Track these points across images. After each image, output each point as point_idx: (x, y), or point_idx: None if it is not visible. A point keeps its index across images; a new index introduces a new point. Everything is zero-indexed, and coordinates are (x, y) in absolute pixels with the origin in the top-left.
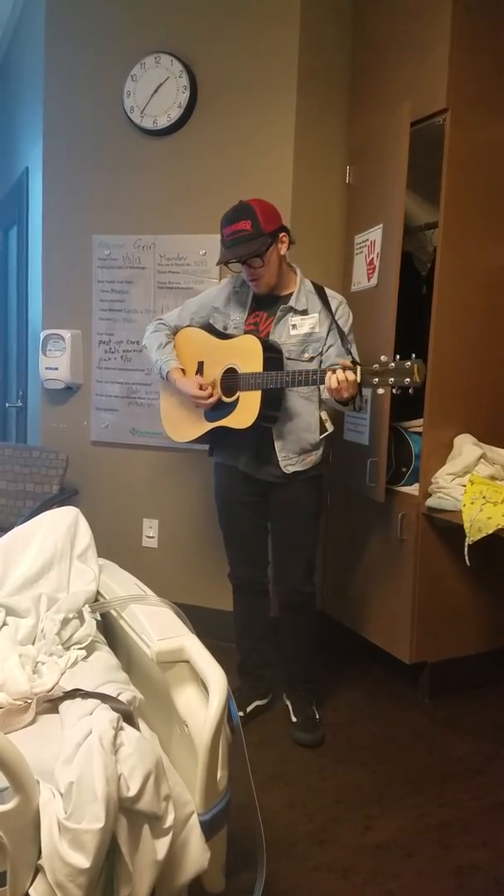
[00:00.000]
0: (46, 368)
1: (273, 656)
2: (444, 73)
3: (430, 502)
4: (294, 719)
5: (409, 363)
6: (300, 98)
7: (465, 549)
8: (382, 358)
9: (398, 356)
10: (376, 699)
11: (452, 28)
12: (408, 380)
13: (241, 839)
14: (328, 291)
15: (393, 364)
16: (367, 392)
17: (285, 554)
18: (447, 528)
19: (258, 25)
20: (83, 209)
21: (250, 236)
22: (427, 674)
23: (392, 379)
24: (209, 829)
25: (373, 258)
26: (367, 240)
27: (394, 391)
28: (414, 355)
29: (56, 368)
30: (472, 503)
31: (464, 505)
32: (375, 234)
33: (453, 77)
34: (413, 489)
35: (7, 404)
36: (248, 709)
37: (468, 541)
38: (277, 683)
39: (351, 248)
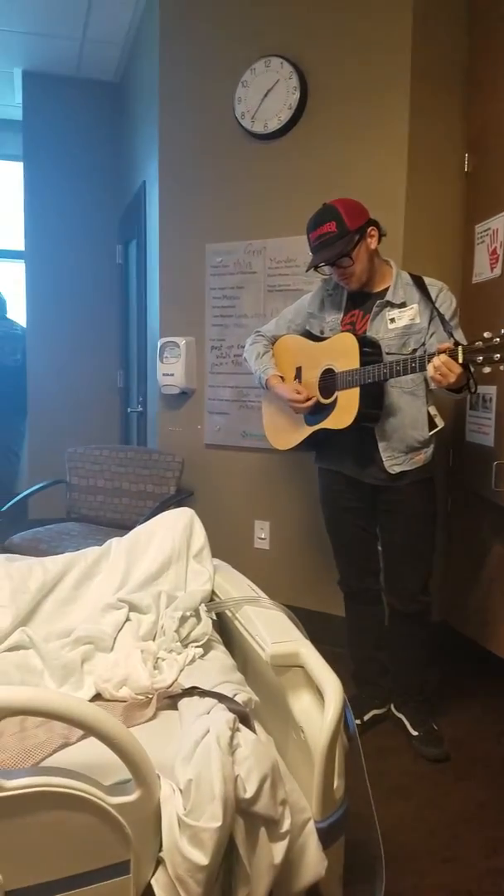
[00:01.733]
0: (163, 375)
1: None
2: None
3: None
4: (414, 732)
5: None
6: (414, 90)
7: None
8: (486, 334)
9: None
10: (500, 715)
11: None
12: None
13: (358, 851)
14: (427, 280)
15: (497, 339)
16: (490, 389)
17: (398, 562)
18: None
19: (369, 18)
20: (196, 219)
21: (336, 237)
22: None
23: (498, 355)
24: (326, 837)
25: (496, 247)
26: (490, 228)
27: (502, 368)
28: None
29: (172, 374)
30: None
31: None
32: (499, 222)
33: None
34: None
35: (129, 409)
36: (366, 717)
37: None
38: (390, 694)
39: (471, 238)
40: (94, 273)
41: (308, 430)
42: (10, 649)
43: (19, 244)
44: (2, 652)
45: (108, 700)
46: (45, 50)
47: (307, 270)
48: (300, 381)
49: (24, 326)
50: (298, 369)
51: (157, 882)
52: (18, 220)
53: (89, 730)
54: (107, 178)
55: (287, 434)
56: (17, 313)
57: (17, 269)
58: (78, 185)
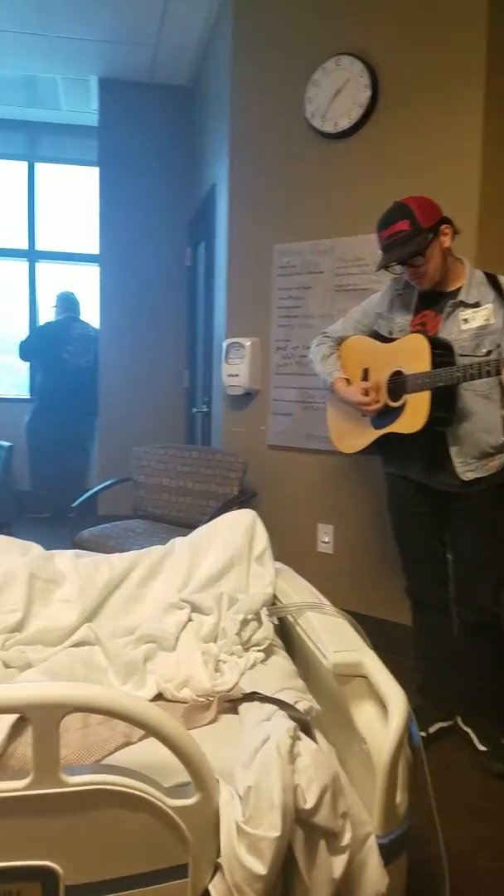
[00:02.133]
0: (228, 375)
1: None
2: None
3: None
4: (482, 747)
5: None
6: (489, 85)
7: None
8: None
9: None
10: None
11: None
12: None
13: (421, 870)
14: (502, 279)
15: None
16: None
17: (469, 572)
18: None
19: (441, 12)
20: (265, 221)
21: (409, 236)
22: None
23: None
24: (388, 853)
25: None
26: None
27: None
28: None
29: (237, 375)
30: None
31: None
32: None
33: None
34: None
35: (194, 409)
36: (431, 730)
37: None
38: (458, 707)
39: None
40: (164, 275)
41: (375, 434)
42: (77, 645)
43: (93, 248)
44: (68, 647)
45: (170, 700)
46: (121, 57)
47: (377, 270)
48: (367, 383)
49: (96, 328)
50: (366, 371)
51: (215, 888)
52: (93, 225)
53: (151, 731)
54: (178, 182)
55: (353, 437)
56: (90, 315)
57: (88, 272)
58: (150, 189)
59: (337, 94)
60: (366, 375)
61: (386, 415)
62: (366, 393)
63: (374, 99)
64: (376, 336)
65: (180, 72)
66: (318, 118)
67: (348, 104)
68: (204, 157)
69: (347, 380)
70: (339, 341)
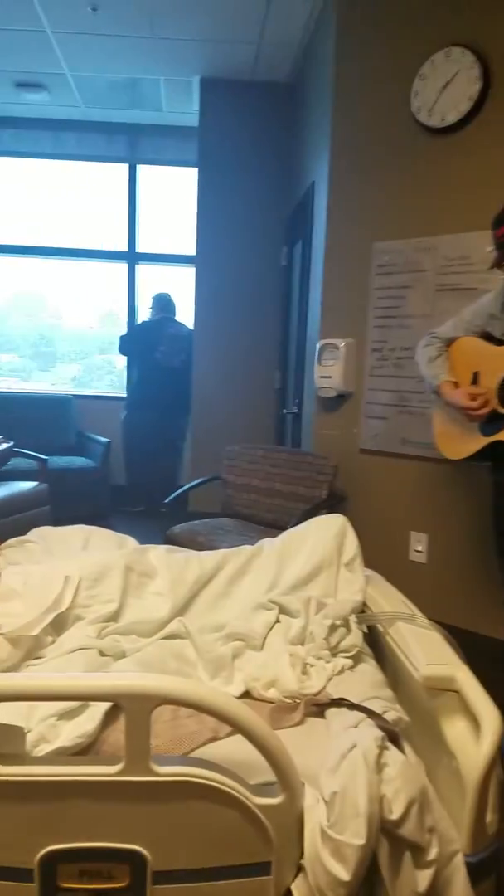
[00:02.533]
0: (321, 377)
1: None
2: None
3: None
4: None
5: None
6: None
7: None
8: None
9: None
10: None
11: None
12: None
13: None
14: None
15: None
16: None
17: None
18: None
19: None
20: (365, 218)
21: None
22: None
23: None
24: (476, 873)
25: None
26: None
27: None
28: None
29: (330, 377)
30: None
31: None
32: None
33: None
34: None
35: (284, 410)
36: None
37: None
38: None
39: None
40: (259, 275)
41: (483, 441)
42: (168, 637)
43: (190, 249)
44: (160, 639)
45: (257, 699)
46: (223, 56)
47: (489, 269)
48: (476, 388)
49: (190, 328)
50: (476, 374)
51: (298, 889)
52: (190, 226)
53: (240, 729)
54: (277, 180)
55: (460, 443)
56: (185, 316)
57: (185, 273)
58: (248, 189)
59: (445, 87)
60: (476, 379)
61: (496, 421)
62: (473, 398)
63: (484, 91)
64: (489, 338)
65: (282, 68)
66: (425, 112)
67: (457, 97)
68: (303, 154)
69: (455, 383)
70: (449, 342)
